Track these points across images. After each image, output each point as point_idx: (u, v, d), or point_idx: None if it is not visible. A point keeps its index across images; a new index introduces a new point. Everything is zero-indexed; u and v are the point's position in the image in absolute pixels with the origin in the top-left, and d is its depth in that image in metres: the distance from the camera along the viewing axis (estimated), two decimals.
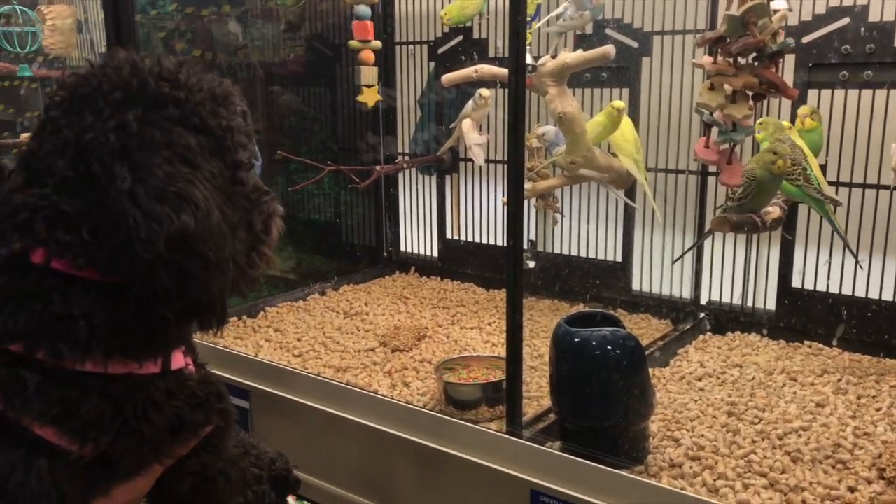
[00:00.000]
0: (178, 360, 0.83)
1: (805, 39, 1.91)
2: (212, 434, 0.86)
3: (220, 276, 0.75)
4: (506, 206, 2.46)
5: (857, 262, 1.90)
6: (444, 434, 1.54)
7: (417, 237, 2.84)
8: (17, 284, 0.74)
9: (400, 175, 2.79)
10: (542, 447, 1.44)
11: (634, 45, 2.18)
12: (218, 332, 0.83)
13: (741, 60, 1.33)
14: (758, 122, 1.67)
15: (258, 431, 1.84)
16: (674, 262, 2.19)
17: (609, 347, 1.43)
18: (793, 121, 1.88)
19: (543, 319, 2.28)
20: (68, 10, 3.38)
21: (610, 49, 1.84)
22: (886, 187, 1.89)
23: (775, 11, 1.36)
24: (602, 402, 1.44)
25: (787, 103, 1.95)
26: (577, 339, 1.45)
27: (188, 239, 0.71)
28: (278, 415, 1.80)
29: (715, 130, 1.42)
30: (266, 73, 2.76)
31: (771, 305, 2.13)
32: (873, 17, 1.86)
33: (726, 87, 1.35)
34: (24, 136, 3.38)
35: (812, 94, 1.95)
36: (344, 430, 1.67)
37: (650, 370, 1.60)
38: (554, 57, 2.01)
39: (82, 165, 0.72)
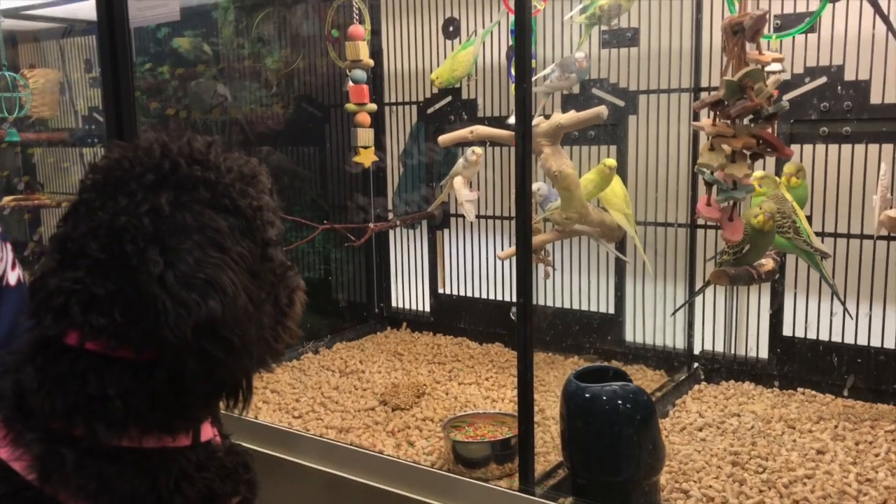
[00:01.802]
0: (207, 431, 0.85)
1: (786, 97, 1.99)
2: None
3: (246, 359, 0.77)
4: (499, 261, 2.51)
5: (845, 310, 1.96)
6: (454, 493, 1.54)
7: (408, 293, 2.86)
8: (53, 366, 0.75)
9: (390, 231, 2.82)
10: (555, 503, 1.46)
11: (621, 103, 2.25)
12: (245, 409, 0.85)
13: (739, 122, 1.40)
14: (759, 175, 1.74)
15: (260, 496, 1.82)
16: (671, 315, 2.23)
17: (620, 402, 1.45)
18: (779, 175, 1.95)
19: (540, 373, 2.30)
20: (50, 73, 3.40)
21: (602, 110, 1.91)
22: (870, 237, 1.96)
23: (769, 74, 1.43)
24: (615, 456, 1.45)
25: (771, 160, 2.02)
26: (588, 395, 1.47)
27: (215, 325, 0.72)
28: (282, 478, 1.78)
29: (716, 189, 1.47)
30: (255, 133, 2.79)
31: (763, 353, 2.18)
32: (849, 76, 1.95)
33: (725, 147, 1.41)
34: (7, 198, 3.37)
35: (795, 147, 2.03)
36: (351, 492, 1.66)
37: None
38: (546, 117, 2.07)
39: (115, 248, 0.74)
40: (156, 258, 0.72)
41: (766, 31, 1.89)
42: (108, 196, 0.76)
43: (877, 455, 1.72)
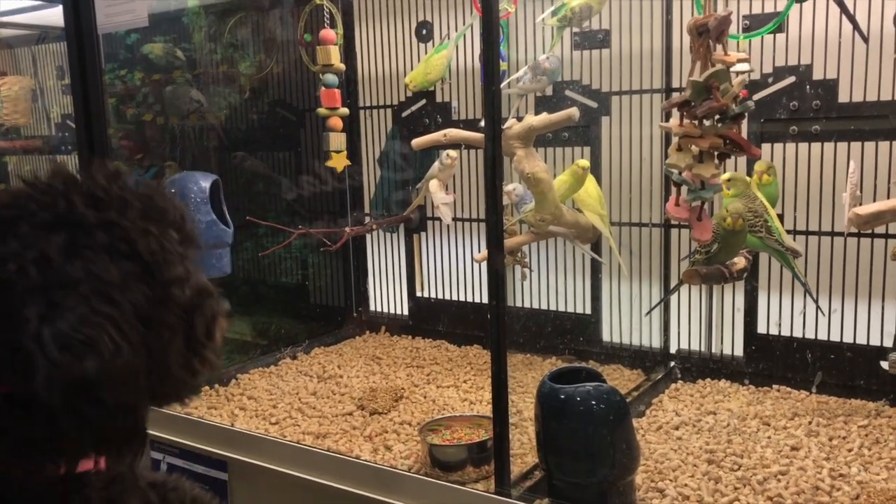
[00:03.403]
0: (86, 464, 0.82)
1: (756, 96, 2.01)
2: None
3: (121, 419, 0.74)
4: (476, 263, 2.52)
5: (817, 307, 1.98)
6: (431, 497, 1.54)
7: (387, 296, 2.86)
8: None
9: (368, 235, 2.82)
10: None
11: (594, 105, 2.26)
12: (132, 459, 0.83)
13: (706, 122, 1.41)
14: (726, 178, 1.75)
15: (238, 503, 1.81)
16: (645, 314, 2.24)
17: (594, 403, 1.46)
18: (749, 174, 1.96)
19: (518, 374, 2.30)
20: (23, 80, 3.36)
21: (574, 111, 1.92)
22: (840, 234, 1.98)
23: (737, 73, 1.45)
24: (590, 457, 1.46)
25: (741, 160, 2.04)
26: (562, 396, 1.47)
27: (88, 387, 0.70)
28: (258, 485, 1.77)
29: (685, 189, 1.48)
30: (230, 138, 2.78)
31: (738, 351, 2.19)
32: (817, 75, 1.97)
33: (693, 147, 1.42)
34: None
35: (765, 147, 2.05)
36: (328, 498, 1.65)
37: None
38: (518, 118, 2.08)
39: (2, 298, 0.71)
40: (31, 315, 0.69)
41: (734, 31, 1.92)
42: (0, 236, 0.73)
43: (850, 450, 1.73)
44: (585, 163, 2.04)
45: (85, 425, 0.73)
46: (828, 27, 1.93)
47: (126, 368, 0.72)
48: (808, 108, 1.99)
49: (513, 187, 2.19)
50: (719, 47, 1.45)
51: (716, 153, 1.43)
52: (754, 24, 1.97)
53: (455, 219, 2.55)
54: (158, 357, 0.77)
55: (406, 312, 2.81)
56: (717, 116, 1.40)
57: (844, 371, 2.02)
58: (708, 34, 1.38)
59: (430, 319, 2.74)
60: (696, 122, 1.41)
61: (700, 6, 1.66)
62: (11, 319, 0.70)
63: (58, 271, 0.71)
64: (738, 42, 1.94)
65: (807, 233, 2.03)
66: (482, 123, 2.30)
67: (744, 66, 1.51)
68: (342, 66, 2.36)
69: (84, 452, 0.81)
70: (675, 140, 1.46)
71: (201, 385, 0.87)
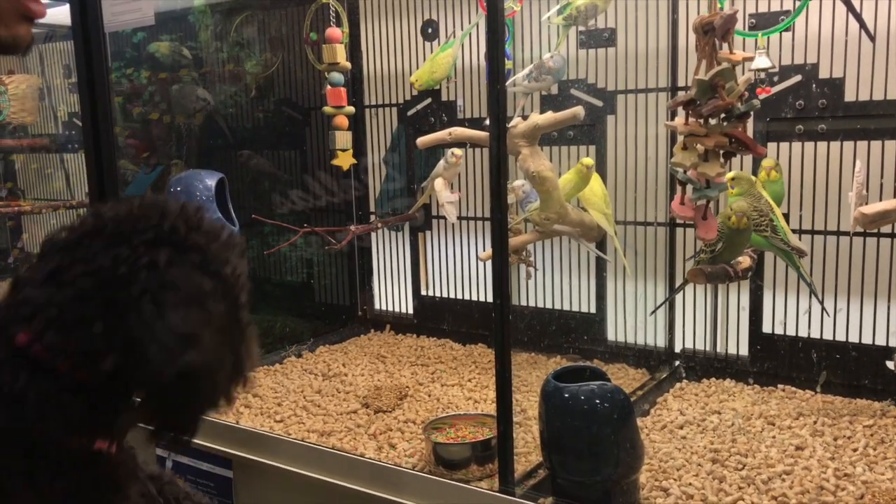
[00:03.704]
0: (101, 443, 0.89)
1: (762, 95, 2.00)
2: None
3: (209, 406, 0.88)
4: (481, 262, 2.52)
5: (822, 308, 1.97)
6: (435, 495, 1.54)
7: (392, 295, 2.86)
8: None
9: (373, 234, 2.82)
10: None
11: (599, 104, 2.26)
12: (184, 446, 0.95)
13: (711, 121, 1.40)
14: (731, 177, 1.75)
15: (242, 500, 1.81)
16: (650, 314, 2.24)
17: (598, 402, 1.46)
18: (755, 173, 1.96)
19: (522, 373, 2.30)
20: (31, 79, 3.38)
21: (579, 110, 1.91)
22: (846, 233, 1.98)
23: (762, 70, 1.44)
24: (594, 456, 1.46)
25: (747, 158, 2.03)
26: (566, 395, 1.47)
27: (193, 373, 0.83)
28: (263, 483, 1.78)
29: (690, 188, 1.48)
30: (236, 137, 2.79)
31: (743, 351, 2.19)
32: (823, 74, 1.96)
33: (698, 146, 1.42)
34: None
35: (771, 146, 2.05)
36: (332, 496, 1.66)
37: None
38: (523, 117, 2.08)
39: (108, 290, 0.83)
40: (147, 309, 0.81)
41: (741, 29, 1.91)
42: (111, 243, 0.85)
43: (855, 450, 1.73)
44: (590, 161, 2.04)
45: (182, 408, 0.86)
46: (834, 26, 1.93)
47: (219, 362, 0.86)
48: (814, 107, 1.98)
49: (520, 184, 2.19)
50: (725, 46, 1.45)
51: (721, 152, 1.42)
52: (760, 22, 1.96)
53: (460, 217, 2.55)
54: (221, 366, 0.90)
55: (411, 311, 2.82)
56: (722, 115, 1.40)
57: (850, 371, 2.02)
58: (713, 33, 1.38)
59: (435, 318, 2.74)
60: (702, 120, 1.40)
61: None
62: (118, 313, 0.82)
63: (163, 277, 0.83)
64: (756, 39, 1.93)
65: (812, 232, 2.02)
66: (487, 122, 2.31)
67: (764, 63, 1.51)
68: (348, 65, 2.37)
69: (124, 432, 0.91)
70: (680, 139, 1.46)
71: (236, 399, 1.01)
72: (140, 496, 0.99)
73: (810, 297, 2.02)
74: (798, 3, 1.85)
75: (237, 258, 0.92)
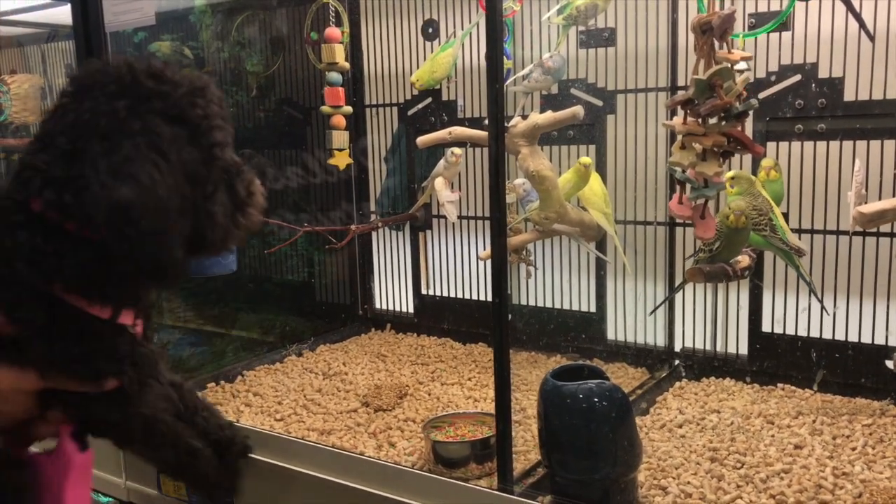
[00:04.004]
0: (126, 318, 0.99)
1: (761, 95, 2.01)
2: (123, 389, 1.00)
3: (153, 243, 0.91)
4: (481, 261, 2.52)
5: (822, 307, 1.98)
6: (434, 493, 1.55)
7: (392, 294, 2.87)
8: (10, 216, 0.92)
9: (374, 233, 2.82)
10: (534, 502, 1.46)
11: (599, 103, 2.26)
12: (170, 288, 1.09)
13: (709, 120, 1.41)
14: (730, 175, 1.75)
15: (242, 499, 1.81)
16: (649, 314, 2.25)
17: (596, 400, 1.46)
18: (754, 172, 1.96)
19: (522, 372, 2.31)
20: (33, 79, 3.38)
21: (579, 109, 1.92)
22: (845, 233, 1.98)
23: (739, 72, 1.45)
24: (592, 454, 1.46)
25: (746, 158, 2.04)
26: (564, 393, 1.48)
27: (125, 209, 0.88)
28: (263, 481, 1.78)
29: (688, 187, 1.49)
30: (237, 136, 2.79)
31: (743, 350, 2.19)
32: (822, 73, 1.97)
33: (696, 146, 1.42)
34: None
35: (770, 145, 2.05)
36: (332, 494, 1.66)
37: None
38: (523, 116, 2.08)
39: (77, 142, 0.91)
40: (96, 149, 0.89)
41: (740, 29, 1.92)
42: (78, 100, 0.93)
43: (853, 449, 1.73)
44: (588, 160, 2.05)
45: (127, 247, 0.90)
46: (833, 25, 1.93)
47: (160, 201, 0.90)
48: (813, 107, 1.98)
49: (521, 181, 2.20)
50: (724, 45, 1.45)
51: (719, 151, 1.43)
52: (760, 22, 1.96)
53: (460, 217, 2.56)
54: (205, 207, 0.96)
55: (411, 310, 2.82)
56: (720, 114, 1.40)
57: (849, 370, 2.02)
58: (712, 32, 1.38)
59: (436, 317, 2.75)
60: (700, 120, 1.41)
61: (703, 4, 1.66)
62: (82, 158, 0.90)
63: (121, 124, 0.90)
64: (740, 40, 1.94)
65: (812, 231, 2.03)
66: (487, 121, 2.31)
67: (741, 66, 1.51)
68: (347, 65, 2.37)
69: (125, 294, 0.98)
70: (678, 138, 1.46)
71: (244, 236, 1.05)
72: (160, 397, 1.06)
73: (810, 296, 2.02)
74: (797, 3, 1.85)
75: (207, 101, 0.98)
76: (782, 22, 1.74)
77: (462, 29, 2.45)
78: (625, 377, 2.25)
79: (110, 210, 0.87)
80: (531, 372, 2.30)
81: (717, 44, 1.41)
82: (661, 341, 2.31)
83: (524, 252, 2.34)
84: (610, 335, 2.40)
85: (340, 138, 2.36)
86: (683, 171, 1.44)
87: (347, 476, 1.65)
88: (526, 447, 1.81)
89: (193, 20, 2.69)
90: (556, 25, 2.11)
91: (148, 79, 0.94)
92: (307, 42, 2.52)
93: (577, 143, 2.34)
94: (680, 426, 1.90)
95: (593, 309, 2.42)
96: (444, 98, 2.58)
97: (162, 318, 2.74)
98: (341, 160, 2.39)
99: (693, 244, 2.15)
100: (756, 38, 1.93)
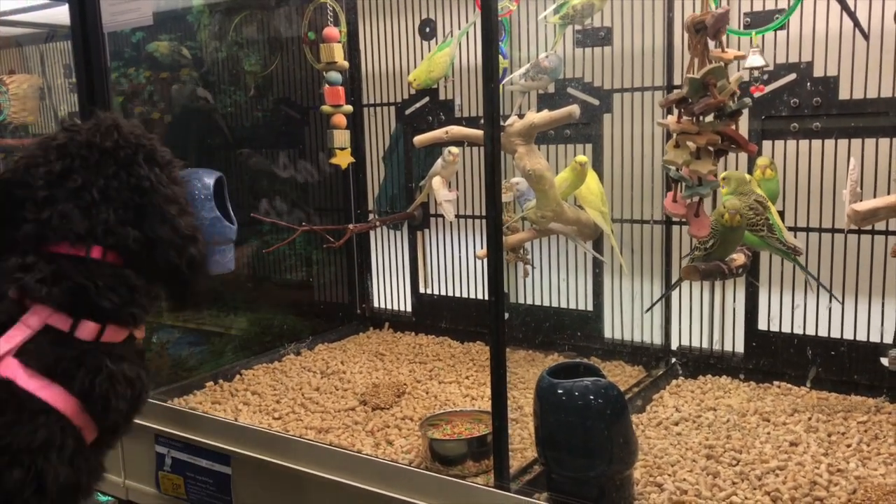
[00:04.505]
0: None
1: (756, 94, 2.01)
2: None
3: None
4: (479, 260, 2.53)
5: (831, 296, 1.97)
6: (431, 491, 1.56)
7: (390, 293, 2.87)
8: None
9: (371, 232, 2.83)
10: (530, 499, 1.47)
11: (596, 102, 2.27)
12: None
13: (703, 119, 1.42)
14: (721, 177, 1.76)
15: (240, 496, 1.82)
16: (645, 311, 2.25)
17: (592, 397, 1.47)
18: (750, 171, 1.97)
19: (520, 370, 2.31)
20: (32, 79, 3.39)
21: (575, 109, 1.92)
22: (840, 231, 1.99)
23: (756, 68, 1.45)
24: (588, 451, 1.47)
25: (741, 156, 2.05)
26: (560, 391, 1.49)
27: (198, 258, 1.23)
28: (261, 479, 1.79)
29: (682, 186, 1.49)
30: (235, 136, 2.80)
31: (739, 348, 2.20)
32: (818, 72, 1.97)
33: (690, 144, 1.43)
34: None
35: (766, 144, 2.06)
36: (330, 491, 1.67)
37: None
38: (519, 116, 2.09)
39: (136, 199, 1.16)
40: (173, 213, 1.20)
41: (737, 28, 1.93)
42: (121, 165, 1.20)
43: (848, 446, 1.74)
44: (583, 158, 2.06)
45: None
46: (828, 24, 1.94)
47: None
48: (808, 106, 1.99)
49: (518, 180, 2.21)
50: (717, 44, 1.46)
51: (713, 150, 1.43)
52: (755, 20, 1.97)
53: (458, 216, 2.56)
54: None
55: (409, 309, 2.83)
56: (714, 113, 1.41)
57: (844, 367, 2.03)
58: (705, 31, 1.39)
59: (434, 316, 2.76)
60: (694, 118, 1.42)
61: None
62: (145, 215, 1.19)
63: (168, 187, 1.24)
64: (739, 38, 1.95)
65: (807, 229, 2.03)
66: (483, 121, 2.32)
67: (758, 61, 1.52)
68: (345, 64, 2.38)
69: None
70: (673, 136, 1.47)
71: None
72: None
73: (805, 292, 2.03)
74: (792, 2, 1.85)
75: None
76: (786, 20, 1.75)
77: (459, 28, 2.45)
78: (621, 375, 2.26)
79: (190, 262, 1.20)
80: (528, 370, 2.31)
81: (710, 43, 1.42)
82: (657, 339, 2.31)
83: (521, 251, 2.35)
84: (607, 333, 2.41)
85: (341, 137, 2.37)
86: (678, 170, 1.45)
87: (345, 474, 1.65)
88: (522, 445, 1.81)
89: (191, 20, 2.70)
90: (553, 25, 2.12)
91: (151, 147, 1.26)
92: (305, 42, 2.52)
93: (573, 142, 2.35)
94: (676, 424, 1.91)
95: (590, 307, 2.43)
96: (442, 97, 2.59)
97: (161, 317, 2.75)
98: (343, 159, 2.40)
99: (689, 242, 2.16)
100: (751, 37, 1.94)
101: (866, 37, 1.86)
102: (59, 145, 1.12)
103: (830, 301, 2.02)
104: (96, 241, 1.10)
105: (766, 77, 2.01)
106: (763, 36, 1.96)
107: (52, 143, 1.12)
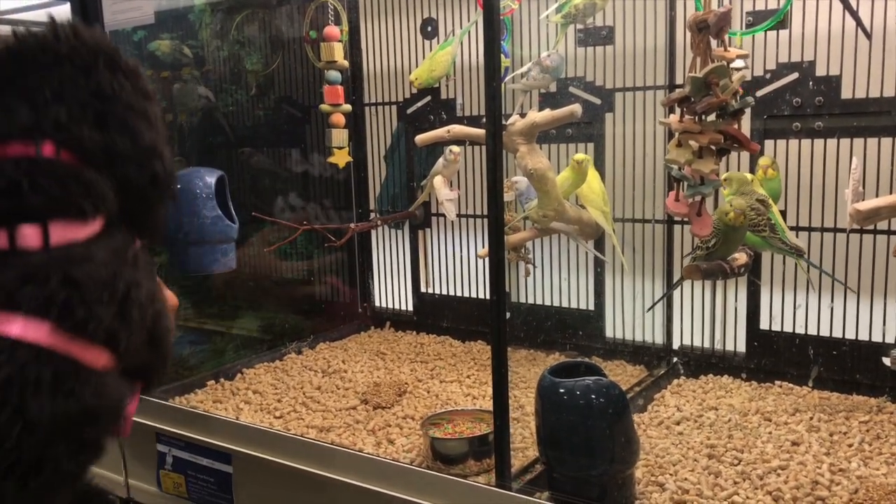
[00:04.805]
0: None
1: (759, 93, 2.01)
2: None
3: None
4: (480, 259, 2.53)
5: (845, 287, 1.96)
6: (432, 490, 1.55)
7: (392, 292, 2.87)
8: None
9: (373, 231, 2.83)
10: (531, 498, 1.47)
11: (598, 101, 2.27)
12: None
13: (706, 118, 1.41)
14: (723, 178, 1.76)
15: (241, 496, 1.82)
16: (646, 311, 2.25)
17: (593, 397, 1.47)
18: (752, 170, 1.97)
19: (521, 370, 2.31)
20: None
21: (577, 108, 1.92)
22: (843, 230, 1.98)
23: (736, 70, 1.45)
24: (589, 450, 1.47)
25: (744, 156, 2.05)
26: (561, 390, 1.48)
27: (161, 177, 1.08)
28: (262, 478, 1.79)
29: (684, 185, 1.49)
30: (236, 135, 2.80)
31: (741, 347, 2.20)
32: (820, 71, 1.97)
33: (692, 143, 1.43)
34: None
35: (768, 143, 2.06)
36: (331, 490, 1.67)
37: None
38: (521, 115, 2.09)
39: (97, 104, 1.00)
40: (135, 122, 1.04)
41: (737, 27, 1.92)
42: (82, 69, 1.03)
43: (850, 445, 1.74)
44: (581, 156, 2.06)
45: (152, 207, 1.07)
46: (830, 23, 1.94)
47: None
48: (810, 105, 1.99)
49: (517, 179, 2.21)
50: (720, 43, 1.46)
51: (715, 149, 1.43)
52: (758, 20, 1.97)
53: (459, 215, 2.56)
54: None
55: (411, 308, 2.83)
56: (716, 112, 1.41)
57: (846, 367, 2.03)
58: (708, 30, 1.39)
59: (435, 315, 2.76)
60: (696, 117, 1.41)
61: (700, 2, 1.66)
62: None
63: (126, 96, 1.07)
64: (738, 38, 1.94)
65: (809, 229, 2.03)
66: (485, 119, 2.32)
67: (738, 63, 1.51)
68: (346, 63, 2.38)
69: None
70: (675, 136, 1.47)
71: None
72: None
73: (808, 292, 2.03)
74: (794, 1, 1.85)
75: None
76: (779, 20, 1.74)
77: (461, 27, 2.45)
78: (623, 375, 2.26)
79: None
80: (529, 369, 2.31)
81: (713, 42, 1.42)
82: (659, 339, 2.31)
83: (523, 250, 2.35)
84: (608, 333, 2.41)
85: (340, 136, 2.37)
86: (680, 169, 1.45)
87: (346, 473, 1.65)
88: (524, 444, 1.81)
89: (193, 19, 2.70)
90: (555, 24, 2.12)
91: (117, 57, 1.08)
92: (306, 40, 2.52)
93: (575, 142, 2.35)
94: (678, 423, 1.91)
95: (591, 307, 2.42)
96: (443, 96, 2.59)
97: None
98: (341, 158, 2.40)
99: (691, 242, 2.16)
100: (753, 37, 1.93)
101: (869, 36, 1.86)
102: (9, 49, 0.99)
103: (833, 300, 2.02)
104: (44, 136, 0.94)
105: (768, 76, 2.00)
106: (765, 34, 1.96)
107: (3, 47, 0.99)
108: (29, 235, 0.89)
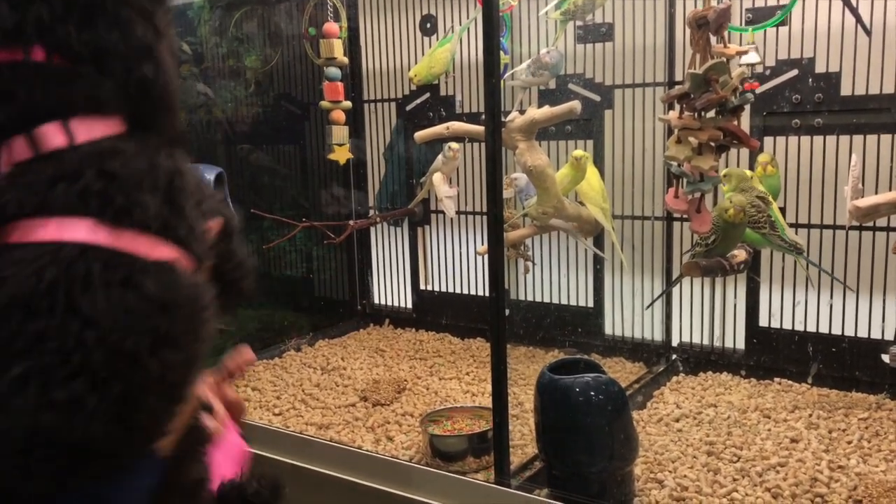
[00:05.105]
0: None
1: (758, 89, 2.01)
2: None
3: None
4: (479, 256, 2.53)
5: (844, 287, 1.96)
6: (432, 487, 1.56)
7: (391, 289, 2.87)
8: None
9: (372, 228, 2.83)
10: (530, 495, 1.47)
11: (597, 98, 2.26)
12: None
13: (705, 115, 1.41)
14: (722, 174, 1.75)
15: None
16: (646, 308, 2.25)
17: (592, 393, 1.47)
18: (751, 168, 1.97)
19: (520, 367, 2.31)
20: None
21: (576, 105, 1.92)
22: (842, 227, 1.98)
23: (750, 65, 1.45)
24: (588, 447, 1.47)
25: (743, 152, 2.04)
26: (560, 387, 1.48)
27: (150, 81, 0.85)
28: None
29: (684, 181, 1.49)
30: (235, 132, 2.80)
31: (740, 344, 2.20)
32: (819, 68, 1.97)
33: (692, 140, 1.42)
34: None
35: (768, 140, 2.05)
36: (330, 488, 1.67)
37: None
38: (520, 112, 2.09)
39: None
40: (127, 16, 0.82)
41: (737, 24, 1.92)
42: None
43: (849, 442, 1.74)
44: (580, 152, 2.06)
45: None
46: (830, 20, 1.93)
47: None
48: (810, 102, 1.98)
49: (516, 176, 2.20)
50: (719, 40, 1.45)
51: (715, 145, 1.43)
52: (757, 16, 1.97)
53: (459, 212, 2.56)
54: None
55: (410, 305, 2.83)
56: (716, 109, 1.41)
57: (845, 364, 2.03)
58: (707, 27, 1.39)
59: (434, 312, 2.75)
60: (696, 114, 1.41)
61: None
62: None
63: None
64: (741, 34, 1.94)
65: (808, 226, 2.03)
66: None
67: (753, 58, 1.51)
68: (345, 60, 2.38)
69: None
70: (674, 132, 1.47)
71: None
72: None
73: (806, 289, 2.03)
74: None
75: None
76: (785, 16, 1.74)
77: (460, 24, 2.45)
78: (622, 371, 2.26)
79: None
80: (528, 366, 2.31)
81: (712, 38, 1.42)
82: (658, 336, 2.31)
83: (522, 247, 2.35)
84: (607, 330, 2.41)
85: (340, 133, 2.37)
86: (679, 166, 1.45)
87: (345, 470, 1.66)
88: (523, 441, 1.81)
89: (192, 15, 2.70)
90: (554, 20, 2.11)
91: None
92: (305, 37, 2.52)
93: (574, 139, 2.35)
94: (677, 420, 1.91)
95: (591, 304, 2.42)
96: (443, 93, 2.59)
97: None
98: (341, 155, 2.40)
99: (690, 239, 2.16)
100: (753, 34, 1.93)
101: (868, 33, 1.86)
102: None
103: (832, 297, 2.02)
104: (29, 41, 0.81)
105: (768, 73, 2.00)
106: (765, 32, 1.96)
107: None
108: (51, 134, 0.80)
